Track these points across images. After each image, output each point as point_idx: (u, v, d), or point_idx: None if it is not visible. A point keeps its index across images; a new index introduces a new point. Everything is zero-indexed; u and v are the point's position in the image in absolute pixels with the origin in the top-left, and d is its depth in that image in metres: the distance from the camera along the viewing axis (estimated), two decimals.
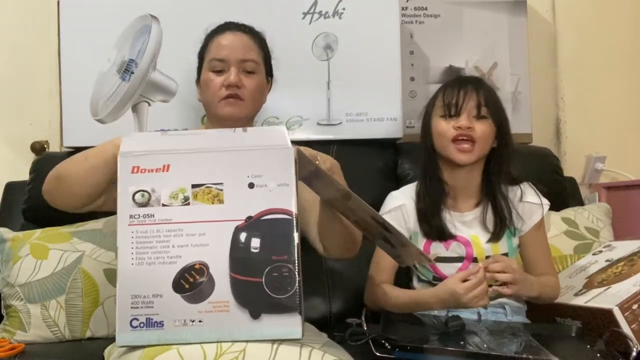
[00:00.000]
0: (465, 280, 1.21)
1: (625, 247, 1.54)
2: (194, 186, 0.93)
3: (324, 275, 1.69)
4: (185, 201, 0.92)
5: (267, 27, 1.77)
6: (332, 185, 1.02)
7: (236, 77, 1.33)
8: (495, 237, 1.35)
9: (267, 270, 0.90)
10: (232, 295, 0.89)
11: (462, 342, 1.14)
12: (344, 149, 1.79)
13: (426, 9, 2.03)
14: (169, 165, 0.94)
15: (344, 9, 1.81)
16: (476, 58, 2.03)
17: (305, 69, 1.79)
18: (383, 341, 1.13)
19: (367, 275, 1.41)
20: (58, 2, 1.79)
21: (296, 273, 0.90)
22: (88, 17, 1.76)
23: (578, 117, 2.19)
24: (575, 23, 2.20)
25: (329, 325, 1.50)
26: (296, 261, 0.90)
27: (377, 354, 1.12)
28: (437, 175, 1.35)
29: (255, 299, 0.89)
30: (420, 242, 1.37)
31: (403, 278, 1.45)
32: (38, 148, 1.93)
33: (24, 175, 1.78)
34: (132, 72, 1.74)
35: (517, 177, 1.38)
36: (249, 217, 0.92)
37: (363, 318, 1.21)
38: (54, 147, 1.94)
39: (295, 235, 0.91)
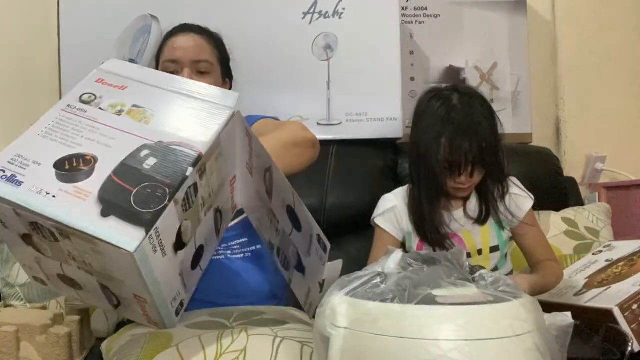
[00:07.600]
0: None
1: (625, 247, 1.54)
2: (134, 106, 0.98)
3: None
4: (119, 113, 0.97)
5: (267, 27, 1.79)
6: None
7: (188, 79, 1.29)
8: (480, 219, 1.37)
9: (143, 184, 0.88)
10: (99, 190, 0.87)
11: None
12: (344, 149, 1.79)
13: (426, 9, 2.03)
14: (126, 87, 1.01)
15: (344, 9, 1.81)
16: (476, 58, 2.04)
17: (305, 69, 1.79)
18: None
19: None
20: (58, 2, 1.79)
21: (167, 198, 0.86)
22: (88, 17, 1.76)
23: (578, 117, 2.19)
24: (575, 23, 2.20)
25: None
26: (177, 190, 0.87)
27: None
28: (442, 190, 1.35)
29: (115, 201, 0.86)
30: (414, 242, 1.38)
31: None
32: None
33: None
34: None
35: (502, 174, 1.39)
36: (160, 142, 0.93)
37: None
38: None
39: (190, 170, 0.89)
